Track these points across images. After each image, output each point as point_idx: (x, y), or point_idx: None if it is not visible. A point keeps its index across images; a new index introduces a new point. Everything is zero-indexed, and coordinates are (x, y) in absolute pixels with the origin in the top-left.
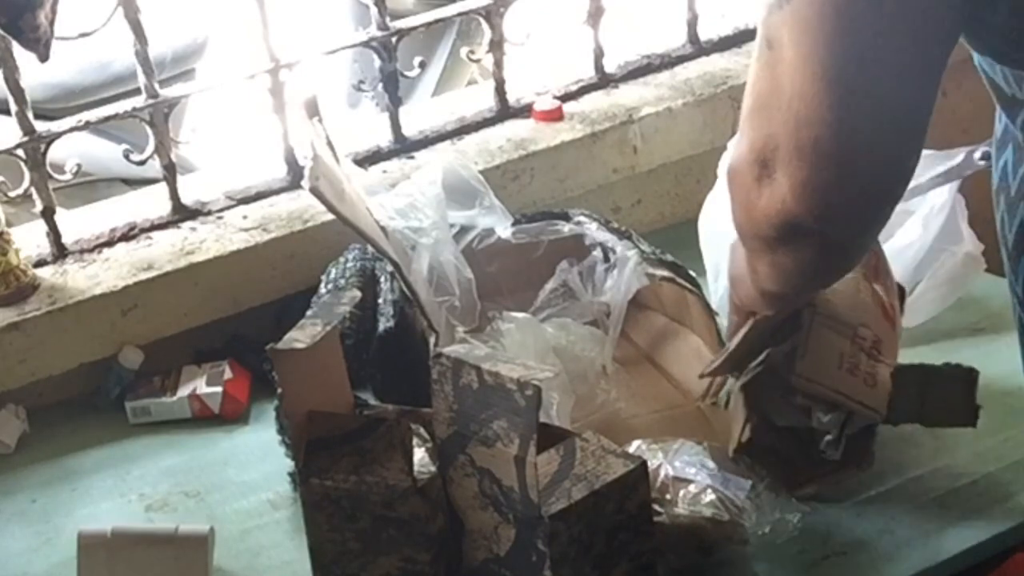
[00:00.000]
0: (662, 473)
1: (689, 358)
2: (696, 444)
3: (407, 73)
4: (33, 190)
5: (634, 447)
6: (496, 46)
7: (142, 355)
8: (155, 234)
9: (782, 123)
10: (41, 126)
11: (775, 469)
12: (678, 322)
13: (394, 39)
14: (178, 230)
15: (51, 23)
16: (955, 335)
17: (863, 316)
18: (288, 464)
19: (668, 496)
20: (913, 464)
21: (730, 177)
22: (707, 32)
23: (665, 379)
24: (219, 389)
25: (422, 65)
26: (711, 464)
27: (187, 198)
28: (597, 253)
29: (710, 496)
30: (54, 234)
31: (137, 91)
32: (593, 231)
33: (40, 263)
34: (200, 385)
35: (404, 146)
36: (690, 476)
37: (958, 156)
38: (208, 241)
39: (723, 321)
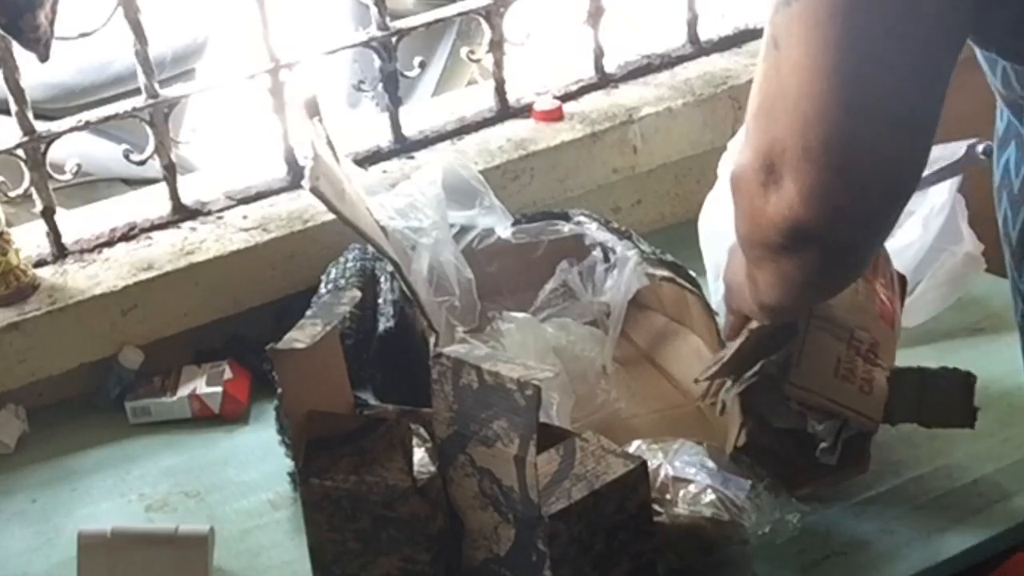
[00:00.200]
0: (662, 473)
1: (689, 358)
2: (696, 444)
3: (407, 73)
4: (33, 190)
5: (634, 447)
6: (496, 46)
7: (142, 355)
8: (155, 234)
9: (789, 125)
10: (41, 126)
11: (773, 470)
12: (678, 322)
13: (394, 39)
14: (178, 230)
15: (51, 23)
16: (955, 335)
17: (860, 318)
18: (288, 464)
19: (668, 496)
20: (912, 464)
21: (734, 184)
22: (707, 32)
23: (665, 379)
24: (219, 389)
25: (422, 65)
26: (711, 464)
27: (187, 198)
28: (597, 253)
29: (710, 496)
30: (54, 234)
31: (137, 91)
32: (593, 231)
33: (40, 263)
34: (200, 385)
35: (404, 146)
36: (690, 476)
37: (959, 150)
38: (208, 241)
39: (723, 321)
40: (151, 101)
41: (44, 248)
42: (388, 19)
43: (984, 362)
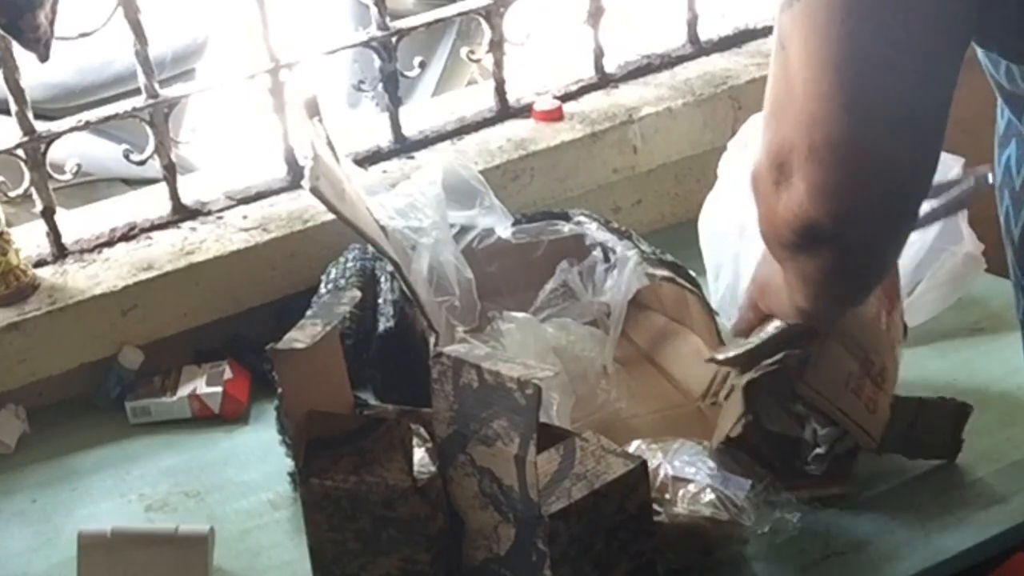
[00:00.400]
0: (662, 473)
1: (689, 358)
2: (696, 444)
3: (407, 73)
4: (33, 190)
5: (634, 447)
6: (496, 46)
7: (142, 355)
8: (155, 234)
9: (795, 124)
10: (41, 126)
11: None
12: (678, 322)
13: (394, 39)
14: (178, 230)
15: (51, 23)
16: (955, 335)
17: (876, 343)
18: (288, 464)
19: (668, 496)
20: (913, 464)
21: (752, 186)
22: (707, 32)
23: (665, 379)
24: (219, 389)
25: (422, 65)
26: (711, 464)
27: (187, 198)
28: (597, 253)
29: (709, 496)
30: (54, 234)
31: (137, 91)
32: (593, 231)
33: (40, 263)
34: (200, 385)
35: (404, 146)
36: (690, 476)
37: (966, 181)
38: (208, 241)
39: (723, 321)
40: (151, 101)
41: (44, 248)
42: (388, 19)
43: (984, 362)
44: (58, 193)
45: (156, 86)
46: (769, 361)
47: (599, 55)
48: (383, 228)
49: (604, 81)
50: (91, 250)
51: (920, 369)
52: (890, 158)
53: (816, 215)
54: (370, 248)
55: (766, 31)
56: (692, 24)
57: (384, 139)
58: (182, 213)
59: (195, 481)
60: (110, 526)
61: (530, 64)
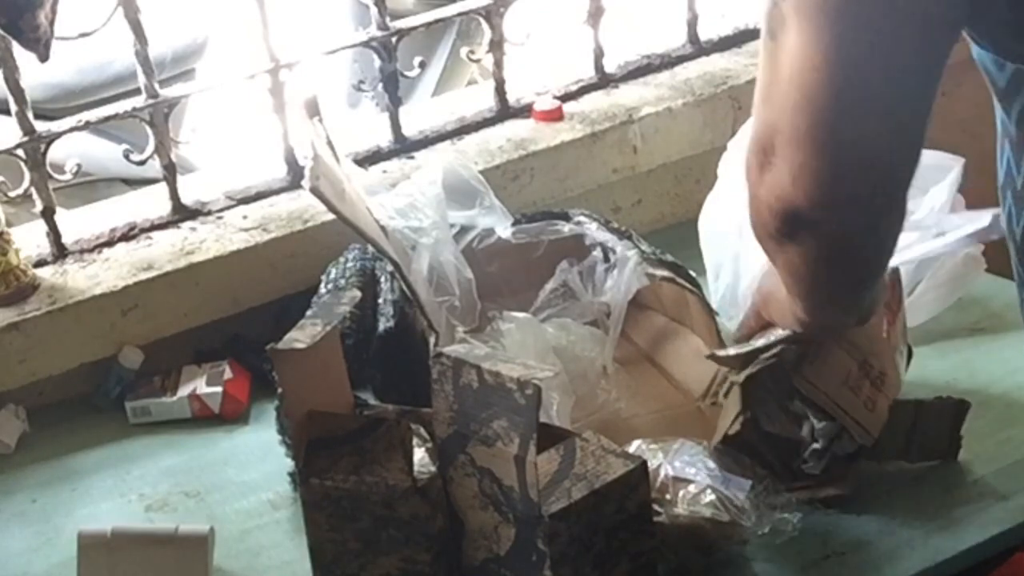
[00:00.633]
0: (662, 473)
1: (689, 358)
2: (696, 444)
3: (407, 73)
4: (33, 190)
5: (634, 447)
6: (496, 46)
7: (142, 355)
8: (155, 234)
9: (781, 110)
10: (41, 126)
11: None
12: (678, 322)
13: (394, 39)
14: (178, 230)
15: (51, 23)
16: (955, 335)
17: (876, 348)
18: (288, 464)
19: (668, 496)
20: (913, 464)
21: (745, 175)
22: (707, 32)
23: (665, 379)
24: (219, 389)
25: (422, 65)
26: (711, 464)
27: (187, 198)
28: (597, 253)
29: (710, 496)
30: (54, 234)
31: (137, 91)
32: (593, 231)
33: (40, 263)
34: (200, 385)
35: (404, 146)
36: (690, 476)
37: (985, 218)
38: (208, 241)
39: (723, 321)
40: (151, 101)
41: (44, 248)
42: (388, 19)
43: (984, 362)
44: (58, 193)
45: (156, 86)
46: (766, 355)
47: (599, 55)
48: (383, 228)
49: (604, 81)
50: (91, 250)
51: (920, 369)
52: (871, 146)
53: (797, 200)
54: (370, 248)
55: None
56: (692, 24)
57: (384, 139)
58: (182, 213)
59: (195, 481)
60: (110, 526)
61: (530, 64)
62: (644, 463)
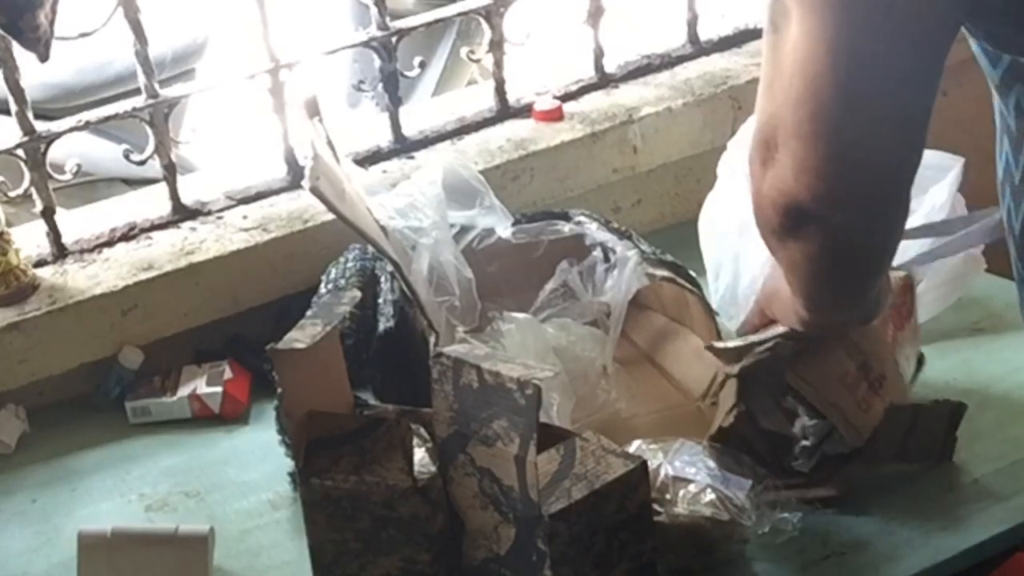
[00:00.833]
0: (662, 473)
1: (689, 358)
2: (696, 444)
3: (407, 73)
4: (33, 190)
5: (634, 447)
6: (496, 46)
7: (142, 355)
8: (155, 234)
9: (783, 102)
10: (41, 126)
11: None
12: (678, 322)
13: (394, 39)
14: (178, 230)
15: (51, 23)
16: (955, 335)
17: (877, 350)
18: (288, 464)
19: (668, 496)
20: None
21: (748, 169)
22: (707, 32)
23: (665, 379)
24: (219, 389)
25: (422, 65)
26: (711, 464)
27: (187, 198)
28: (597, 253)
29: (709, 496)
30: (54, 234)
31: (137, 91)
32: (593, 231)
33: (40, 263)
34: (200, 385)
35: (404, 146)
36: (690, 476)
37: (995, 215)
38: (208, 241)
39: (723, 321)
40: (151, 101)
41: (44, 248)
42: (388, 19)
43: (984, 362)
44: (58, 193)
45: (156, 86)
46: (761, 348)
47: (599, 55)
48: (383, 228)
49: (604, 81)
50: (91, 250)
51: None
52: (873, 138)
53: (798, 194)
54: (370, 248)
55: None
56: (692, 24)
57: (384, 139)
58: (182, 213)
59: (195, 481)
60: (110, 526)
61: (530, 64)
62: (644, 463)
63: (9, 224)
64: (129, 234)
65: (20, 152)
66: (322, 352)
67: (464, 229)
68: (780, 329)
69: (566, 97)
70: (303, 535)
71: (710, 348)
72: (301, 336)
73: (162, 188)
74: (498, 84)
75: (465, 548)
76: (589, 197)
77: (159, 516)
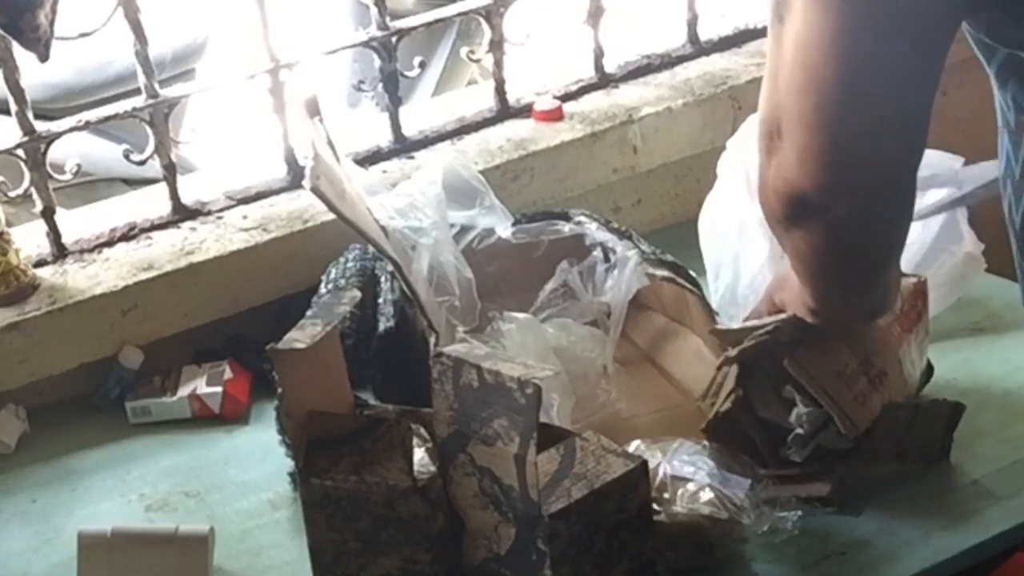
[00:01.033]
0: (661, 472)
1: (689, 358)
2: (696, 444)
3: (407, 73)
4: (33, 190)
5: (634, 447)
6: (496, 46)
7: (142, 355)
8: (155, 234)
9: (786, 91)
10: (41, 126)
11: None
12: (678, 322)
13: (394, 39)
14: (178, 230)
15: (51, 23)
16: (955, 335)
17: (881, 348)
18: (288, 464)
19: (667, 495)
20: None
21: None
22: (707, 32)
23: (665, 379)
24: (219, 389)
25: (422, 65)
26: (710, 463)
27: (187, 198)
28: (597, 253)
29: (708, 495)
30: (54, 234)
31: (137, 91)
32: (593, 231)
33: (40, 263)
34: (200, 385)
35: (404, 146)
36: (689, 475)
37: (991, 171)
38: (208, 241)
39: (723, 321)
40: (151, 101)
41: (44, 248)
42: (388, 19)
43: (984, 362)
44: (58, 193)
45: (156, 86)
46: (762, 331)
47: (599, 55)
48: (383, 228)
49: (604, 81)
50: (91, 250)
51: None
52: (875, 127)
53: (801, 182)
54: (370, 248)
55: (766, 31)
56: (692, 24)
57: (384, 139)
58: (182, 213)
59: (195, 481)
60: (110, 526)
61: (530, 64)
62: (644, 463)
63: (9, 224)
64: (129, 234)
65: (20, 152)
66: (322, 352)
67: (464, 229)
68: (785, 316)
69: (566, 97)
70: (303, 535)
71: (713, 331)
72: (301, 336)
73: (162, 188)
74: (498, 84)
75: (465, 548)
76: (589, 197)
77: (159, 516)
